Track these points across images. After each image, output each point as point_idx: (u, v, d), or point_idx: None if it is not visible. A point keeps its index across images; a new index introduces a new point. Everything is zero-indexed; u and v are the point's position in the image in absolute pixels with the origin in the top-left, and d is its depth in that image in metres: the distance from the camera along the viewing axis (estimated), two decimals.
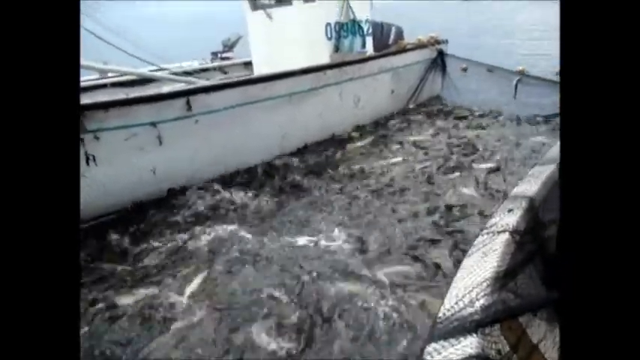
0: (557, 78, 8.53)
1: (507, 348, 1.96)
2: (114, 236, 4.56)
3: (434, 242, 4.17)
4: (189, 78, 6.96)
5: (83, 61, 5.70)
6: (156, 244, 4.44)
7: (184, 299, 3.56)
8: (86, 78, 6.96)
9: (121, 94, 5.47)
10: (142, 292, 3.65)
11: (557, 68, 10.11)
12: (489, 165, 5.91)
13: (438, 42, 9.79)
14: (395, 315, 3.20)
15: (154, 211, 5.10)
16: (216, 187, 5.58)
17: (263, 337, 3.07)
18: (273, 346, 3.00)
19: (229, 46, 10.01)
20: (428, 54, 9.61)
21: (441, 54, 9.75)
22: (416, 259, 3.90)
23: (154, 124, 5.05)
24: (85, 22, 5.31)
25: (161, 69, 7.53)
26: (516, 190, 3.06)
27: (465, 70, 9.65)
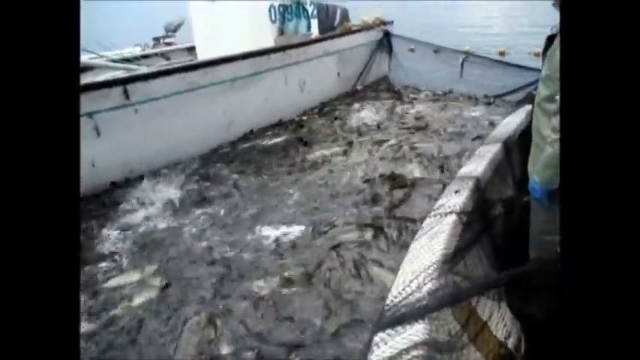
0: (498, 57, 8.76)
1: (458, 328, 1.94)
2: None
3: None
4: (129, 65, 6.68)
5: None
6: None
7: None
8: None
9: None
10: None
11: (500, 48, 10.44)
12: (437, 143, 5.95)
13: (383, 23, 9.82)
14: None
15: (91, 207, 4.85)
16: (160, 178, 5.38)
17: None
18: None
19: (172, 30, 9.73)
20: (374, 35, 9.61)
21: (387, 35, 9.78)
22: None
23: (89, 115, 4.82)
24: None
25: (99, 56, 7.19)
26: (463, 171, 3.06)
27: (412, 50, 9.71)
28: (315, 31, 8.45)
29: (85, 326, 3.08)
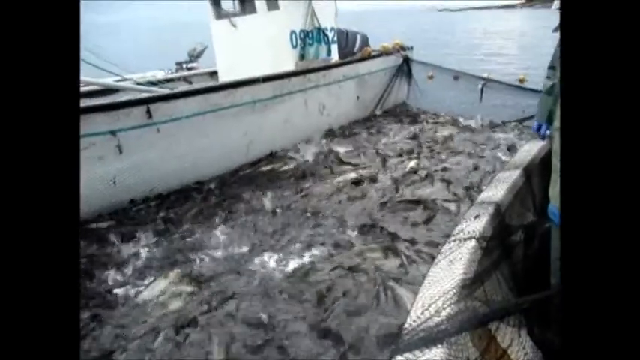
0: (517, 83, 8.75)
1: (477, 354, 1.92)
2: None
3: None
4: (153, 88, 6.80)
5: None
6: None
7: None
8: None
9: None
10: None
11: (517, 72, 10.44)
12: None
13: (403, 48, 9.88)
14: None
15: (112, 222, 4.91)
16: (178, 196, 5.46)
17: None
18: None
19: (195, 56, 9.86)
20: (393, 61, 9.68)
21: (407, 60, 9.84)
22: None
23: (113, 133, 4.90)
24: None
25: (124, 79, 7.34)
26: (482, 196, 3.04)
27: (431, 77, 9.74)
28: (335, 56, 8.54)
29: None
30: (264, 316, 3.27)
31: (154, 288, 3.72)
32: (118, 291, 3.73)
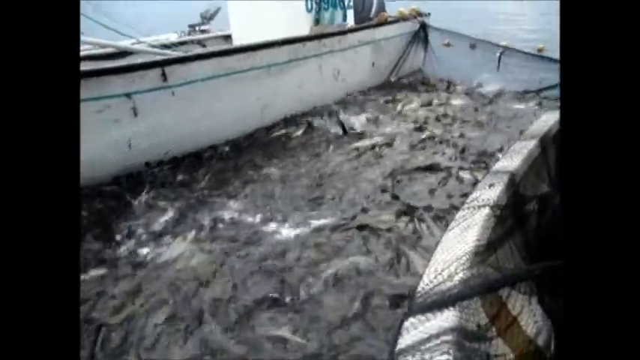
0: (536, 52, 8.59)
1: (486, 321, 1.95)
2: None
3: None
4: (167, 51, 6.77)
5: None
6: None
7: None
8: None
9: (94, 66, 5.29)
10: None
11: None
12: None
13: (420, 14, 9.71)
14: None
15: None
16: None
17: None
18: None
19: (208, 18, 9.76)
20: (410, 27, 9.53)
21: (424, 27, 9.68)
22: None
23: (128, 96, 4.91)
24: None
25: (139, 42, 7.31)
26: (497, 166, 3.04)
27: (447, 45, 9.58)
28: (350, 21, 8.43)
29: None
30: (278, 273, 3.36)
31: (171, 249, 3.78)
32: (134, 251, 3.81)
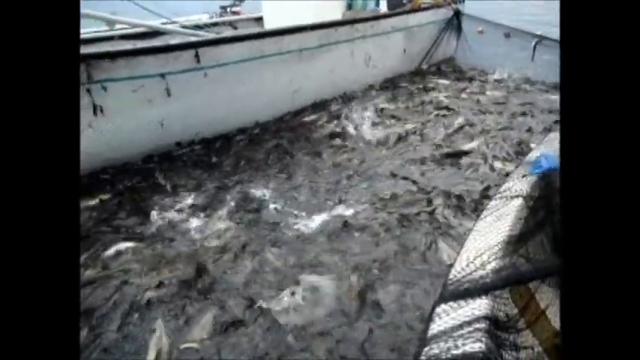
0: None
1: (515, 312, 1.95)
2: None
3: None
4: (199, 32, 6.82)
5: (91, 11, 5.59)
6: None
7: None
8: (93, 30, 6.83)
9: (128, 46, 5.36)
10: None
11: None
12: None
13: (454, 1, 9.57)
14: None
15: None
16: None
17: None
18: None
19: (240, 0, 9.80)
20: (443, 14, 9.40)
21: (458, 14, 9.53)
22: None
23: (162, 76, 4.96)
24: None
25: (171, 22, 7.38)
26: (531, 156, 3.01)
27: (481, 32, 9.43)
28: (383, 7, 8.35)
29: None
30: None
31: (205, 223, 3.92)
32: (166, 227, 3.91)
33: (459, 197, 4.08)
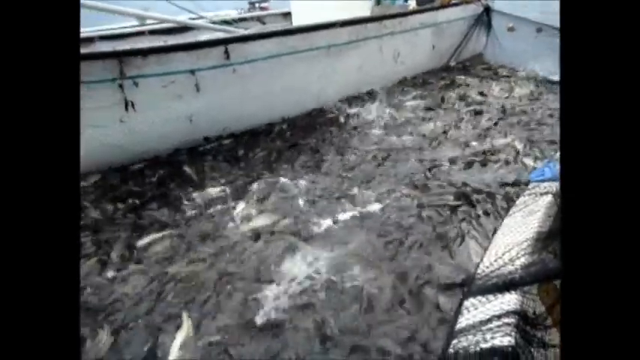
0: None
1: (543, 309, 1.93)
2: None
3: None
4: (228, 27, 6.88)
5: (122, 7, 5.71)
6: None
7: None
8: (124, 25, 6.95)
9: (159, 42, 5.45)
10: None
11: None
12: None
13: None
14: None
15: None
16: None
17: None
18: None
19: None
20: (473, 10, 9.29)
21: (487, 10, 9.42)
22: None
23: (192, 72, 5.03)
24: None
25: (200, 17, 7.46)
26: (552, 157, 2.98)
27: (511, 29, 9.28)
28: (412, 3, 8.29)
29: None
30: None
31: (236, 210, 4.06)
32: (198, 216, 4.03)
33: (489, 194, 4.06)
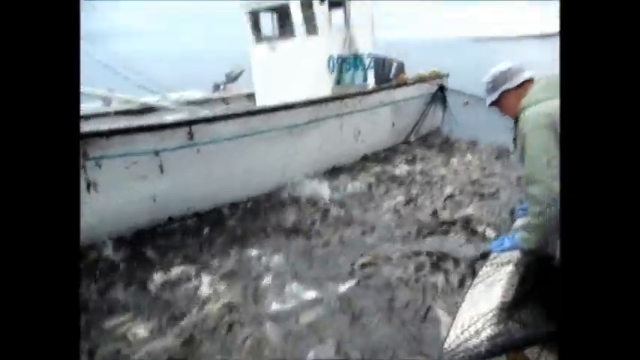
0: None
1: None
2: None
3: None
4: (192, 108, 7.01)
5: (88, 88, 5.76)
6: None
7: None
8: (90, 106, 7.00)
9: (124, 123, 5.48)
10: None
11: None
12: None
13: (438, 76, 9.92)
14: None
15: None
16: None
17: None
18: None
19: (232, 78, 10.11)
20: (428, 88, 9.72)
21: (442, 88, 9.87)
22: None
23: (156, 153, 5.06)
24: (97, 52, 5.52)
25: (165, 99, 7.58)
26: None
27: (466, 104, 9.72)
28: (371, 83, 8.63)
29: None
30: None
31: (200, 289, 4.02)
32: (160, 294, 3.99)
33: (455, 261, 4.12)
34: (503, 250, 2.57)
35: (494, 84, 2.61)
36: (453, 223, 5.05)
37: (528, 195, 2.36)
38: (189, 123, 5.36)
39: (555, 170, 2.10)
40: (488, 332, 1.85)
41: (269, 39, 8.18)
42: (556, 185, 2.13)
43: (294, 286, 3.95)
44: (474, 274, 3.40)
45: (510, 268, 2.40)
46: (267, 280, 4.12)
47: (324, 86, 7.67)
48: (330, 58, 7.79)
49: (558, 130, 2.18)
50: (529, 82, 2.53)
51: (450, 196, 5.98)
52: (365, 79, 8.45)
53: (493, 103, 2.68)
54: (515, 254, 2.51)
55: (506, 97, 2.57)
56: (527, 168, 2.32)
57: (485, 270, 2.46)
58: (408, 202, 5.90)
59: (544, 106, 2.29)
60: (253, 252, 4.65)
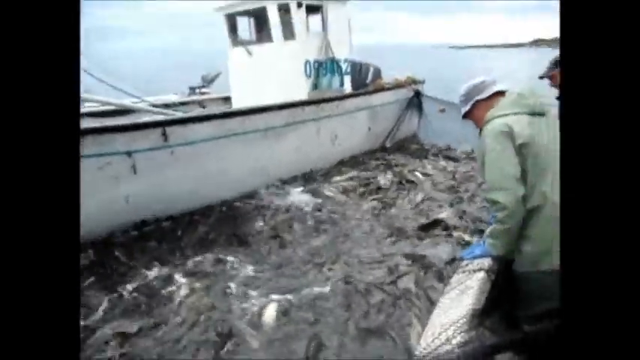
0: None
1: None
2: None
3: None
4: (168, 110, 6.93)
5: None
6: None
7: None
8: None
9: (97, 124, 5.39)
10: None
11: None
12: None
13: (415, 82, 10.01)
14: None
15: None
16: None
17: None
18: None
19: (208, 81, 10.07)
20: (404, 94, 9.79)
21: (418, 94, 9.95)
22: None
23: (129, 154, 4.98)
24: None
25: (140, 100, 7.50)
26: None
27: (442, 111, 9.81)
28: (347, 88, 8.66)
29: None
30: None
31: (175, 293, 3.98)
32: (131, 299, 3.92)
33: (429, 265, 4.13)
34: (474, 258, 2.60)
35: (467, 96, 2.69)
36: (428, 227, 5.08)
37: (489, 202, 2.41)
38: (163, 124, 5.30)
39: (513, 178, 2.23)
40: (458, 339, 1.86)
41: (246, 43, 8.15)
42: (520, 190, 2.23)
43: (264, 290, 3.95)
44: (447, 279, 3.42)
45: (482, 275, 2.42)
46: (237, 284, 4.08)
47: (300, 91, 7.68)
48: (307, 62, 7.81)
49: (517, 142, 2.28)
50: (500, 94, 2.58)
51: (425, 201, 6.01)
52: (342, 84, 8.47)
53: (466, 115, 2.73)
54: (487, 261, 2.53)
55: (478, 108, 2.63)
56: (488, 176, 2.38)
57: (456, 277, 2.48)
58: (383, 206, 5.92)
59: (508, 119, 2.35)
60: (229, 257, 4.59)
